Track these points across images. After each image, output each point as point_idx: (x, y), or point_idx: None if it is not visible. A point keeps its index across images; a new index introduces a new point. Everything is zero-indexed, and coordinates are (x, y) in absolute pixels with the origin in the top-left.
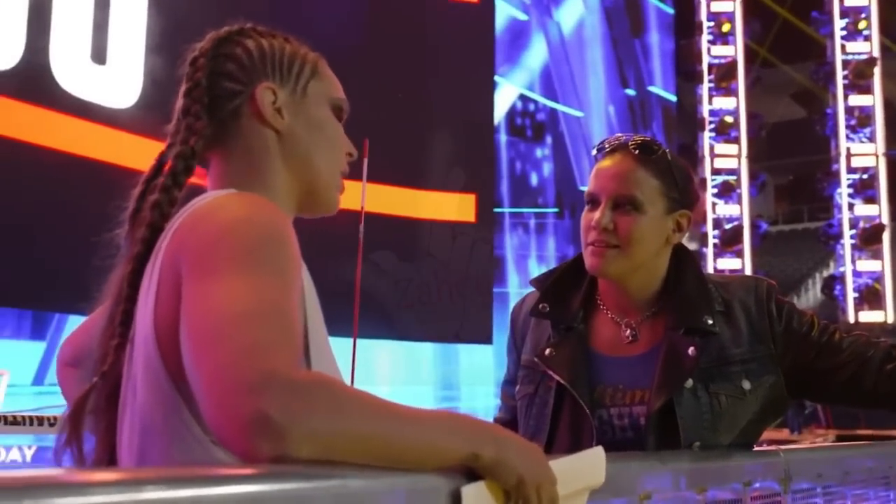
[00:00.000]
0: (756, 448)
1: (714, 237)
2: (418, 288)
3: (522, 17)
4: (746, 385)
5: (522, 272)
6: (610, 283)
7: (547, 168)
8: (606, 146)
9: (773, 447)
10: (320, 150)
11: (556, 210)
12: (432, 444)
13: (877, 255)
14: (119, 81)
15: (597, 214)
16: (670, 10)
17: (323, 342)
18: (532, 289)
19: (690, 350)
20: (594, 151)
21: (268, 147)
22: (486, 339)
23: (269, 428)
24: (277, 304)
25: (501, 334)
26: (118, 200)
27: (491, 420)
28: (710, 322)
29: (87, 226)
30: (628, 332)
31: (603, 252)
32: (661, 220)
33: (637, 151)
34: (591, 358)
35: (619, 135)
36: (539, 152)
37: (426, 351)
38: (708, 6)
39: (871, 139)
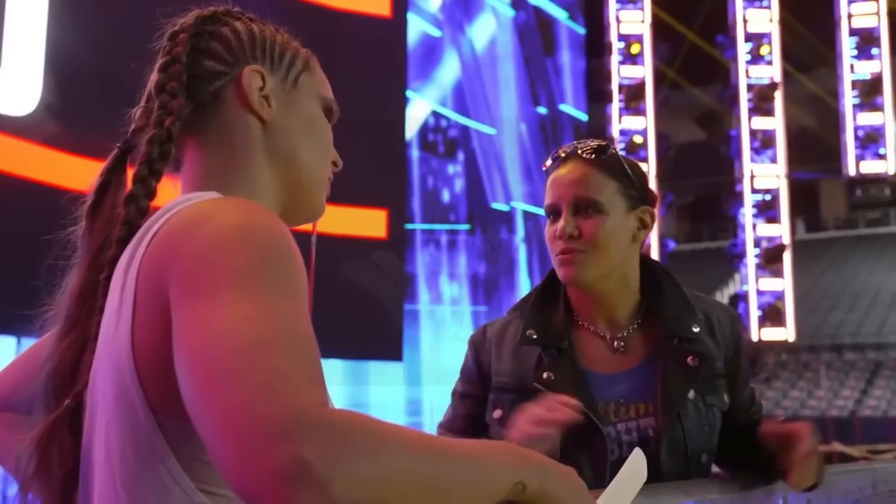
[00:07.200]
0: None
1: None
2: (329, 304)
3: (435, 32)
4: (727, 399)
5: (433, 289)
6: (585, 295)
7: (459, 184)
8: (559, 156)
9: None
10: (309, 148)
11: (467, 227)
12: (481, 477)
13: (778, 274)
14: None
15: (560, 223)
16: (581, 30)
17: None
18: (485, 320)
19: (689, 359)
20: (546, 164)
21: (251, 137)
22: (397, 356)
23: (310, 476)
24: (294, 329)
25: (411, 351)
26: (20, 213)
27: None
28: (697, 330)
29: None
30: (616, 343)
31: (573, 259)
32: (624, 218)
33: (590, 156)
34: (586, 377)
35: (570, 144)
36: (451, 168)
37: (336, 368)
38: (618, 27)
39: (774, 161)
